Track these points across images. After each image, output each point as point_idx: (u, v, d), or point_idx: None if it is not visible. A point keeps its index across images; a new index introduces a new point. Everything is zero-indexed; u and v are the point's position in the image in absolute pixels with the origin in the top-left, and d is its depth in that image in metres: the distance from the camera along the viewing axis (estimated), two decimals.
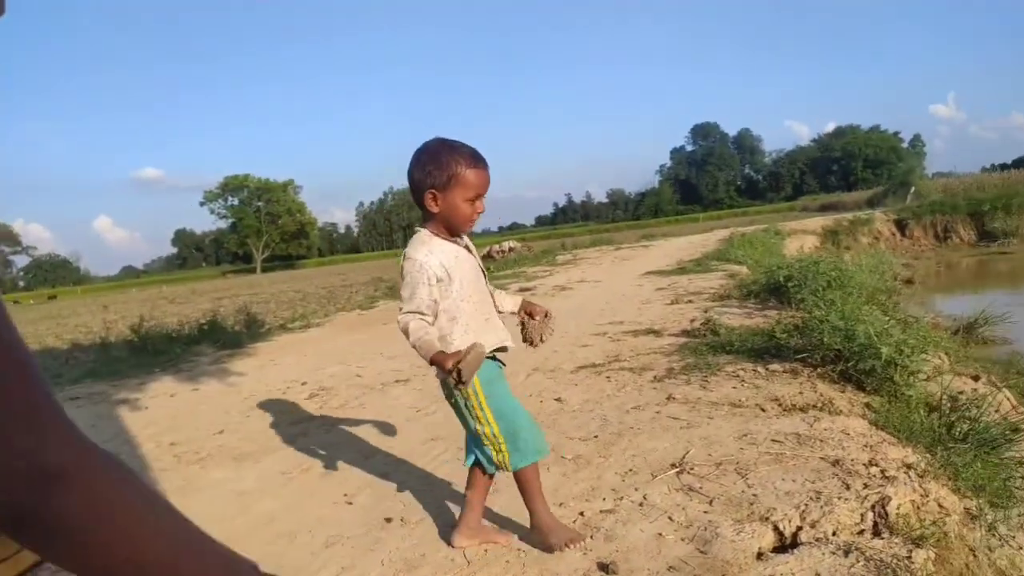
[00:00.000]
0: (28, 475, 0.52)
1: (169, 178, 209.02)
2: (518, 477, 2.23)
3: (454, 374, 1.92)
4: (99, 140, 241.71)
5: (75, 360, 8.32)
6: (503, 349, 2.24)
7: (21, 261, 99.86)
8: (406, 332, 2.07)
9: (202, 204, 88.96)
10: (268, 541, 2.64)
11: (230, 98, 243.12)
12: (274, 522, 2.83)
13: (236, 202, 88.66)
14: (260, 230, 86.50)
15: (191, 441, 4.16)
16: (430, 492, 2.90)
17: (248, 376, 6.22)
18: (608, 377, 4.53)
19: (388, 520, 2.68)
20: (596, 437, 3.28)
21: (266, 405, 4.93)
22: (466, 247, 2.25)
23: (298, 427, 4.25)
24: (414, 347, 2.07)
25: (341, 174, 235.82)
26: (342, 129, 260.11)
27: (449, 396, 2.25)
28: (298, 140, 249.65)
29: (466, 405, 2.17)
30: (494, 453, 2.19)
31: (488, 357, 2.13)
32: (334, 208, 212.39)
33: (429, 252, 2.11)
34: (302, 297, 17.70)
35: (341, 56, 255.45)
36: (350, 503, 2.93)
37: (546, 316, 2.30)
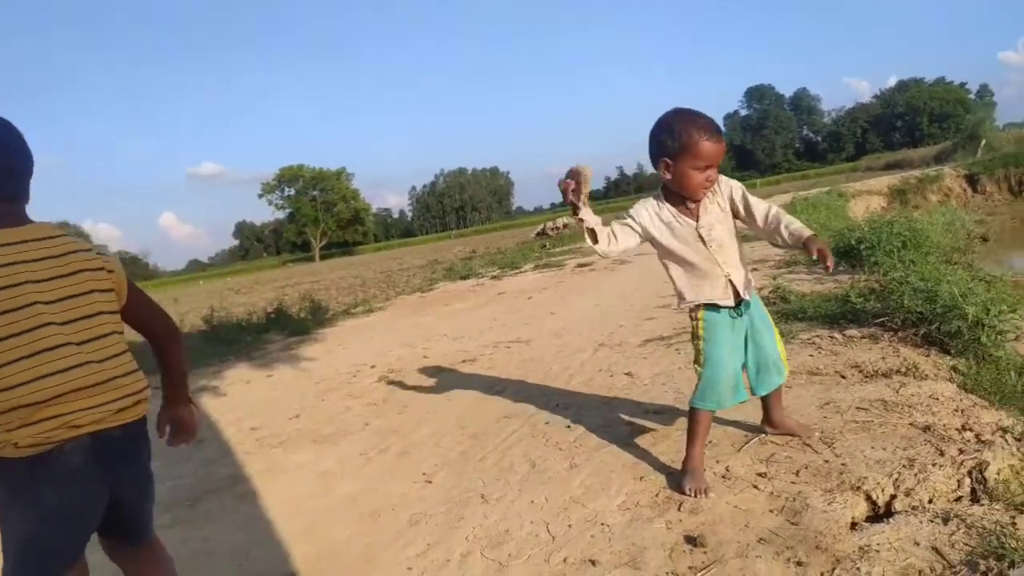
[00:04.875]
0: (173, 326, 1.86)
1: (228, 172, 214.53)
2: (691, 415, 2.47)
3: None
4: (156, 139, 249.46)
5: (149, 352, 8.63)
6: (714, 306, 2.41)
7: None
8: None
9: (260, 196, 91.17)
10: (354, 520, 2.70)
11: (283, 92, 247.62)
12: (357, 502, 2.89)
13: (292, 192, 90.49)
14: (317, 219, 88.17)
15: (271, 425, 4.28)
16: (509, 469, 2.92)
17: (318, 361, 6.36)
18: (678, 350, 4.46)
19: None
20: (672, 410, 3.25)
21: (339, 388, 5.04)
22: (716, 205, 2.40)
23: (372, 409, 4.33)
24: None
25: (392, 160, 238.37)
26: (391, 115, 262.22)
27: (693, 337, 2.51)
28: (348, 129, 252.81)
29: (693, 341, 2.49)
30: (695, 387, 2.47)
31: (711, 307, 2.41)
32: (387, 193, 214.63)
33: (646, 210, 2.41)
34: (361, 283, 18.00)
35: (388, 49, 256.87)
36: (429, 482, 2.97)
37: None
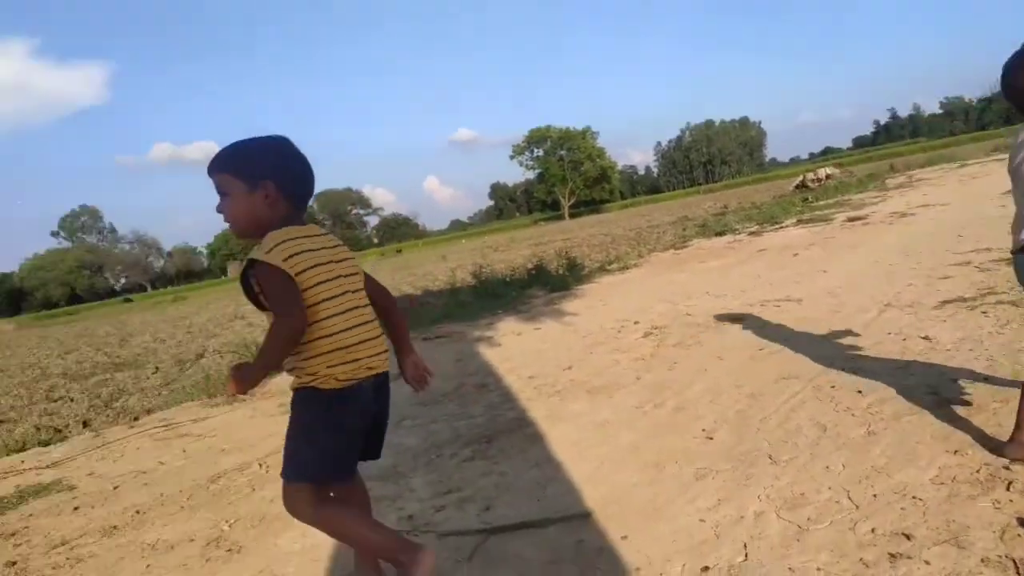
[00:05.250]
0: (390, 294, 2.13)
1: (482, 137, 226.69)
2: None
3: None
4: (417, 108, 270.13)
5: (429, 304, 9.51)
6: None
7: (372, 221, 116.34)
8: None
9: (511, 158, 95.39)
10: (638, 469, 2.78)
11: (526, 58, 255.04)
12: (638, 452, 2.97)
13: (540, 153, 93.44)
14: (564, 178, 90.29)
15: (545, 375, 4.53)
16: (796, 432, 2.82)
17: (581, 316, 6.58)
18: (984, 312, 3.97)
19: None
20: (986, 380, 2.90)
21: (605, 343, 5.18)
22: None
23: (640, 364, 4.39)
24: None
25: (635, 116, 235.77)
26: (632, 71, 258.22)
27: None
28: (591, 89, 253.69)
29: None
30: None
31: None
32: (631, 151, 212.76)
33: None
34: (612, 240, 18.17)
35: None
36: (710, 438, 2.96)
37: None
